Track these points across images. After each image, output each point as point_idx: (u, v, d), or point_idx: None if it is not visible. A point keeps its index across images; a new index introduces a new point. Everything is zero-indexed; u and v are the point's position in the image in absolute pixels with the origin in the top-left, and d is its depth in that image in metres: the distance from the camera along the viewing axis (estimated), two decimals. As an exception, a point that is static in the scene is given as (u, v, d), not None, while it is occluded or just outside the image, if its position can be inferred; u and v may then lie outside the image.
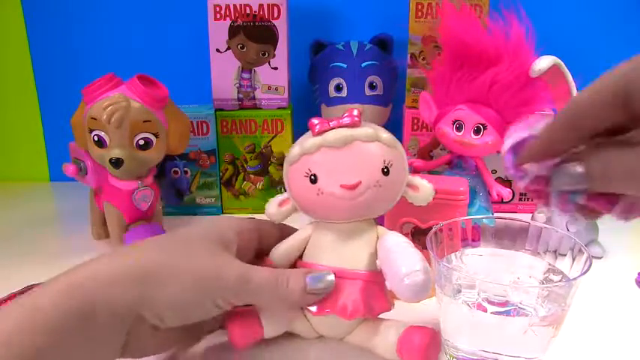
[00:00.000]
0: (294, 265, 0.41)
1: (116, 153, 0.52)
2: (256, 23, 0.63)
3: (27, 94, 0.80)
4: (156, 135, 0.53)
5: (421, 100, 0.61)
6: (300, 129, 0.42)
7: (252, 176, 0.68)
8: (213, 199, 0.69)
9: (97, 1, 0.76)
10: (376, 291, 0.39)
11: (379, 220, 0.52)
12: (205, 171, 0.68)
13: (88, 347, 0.31)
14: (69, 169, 0.59)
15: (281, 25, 0.64)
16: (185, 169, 0.67)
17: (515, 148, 0.30)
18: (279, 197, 0.41)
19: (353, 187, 0.37)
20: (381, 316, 0.40)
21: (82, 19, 0.77)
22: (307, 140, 0.38)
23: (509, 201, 0.69)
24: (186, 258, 0.35)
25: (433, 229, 0.39)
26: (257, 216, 0.44)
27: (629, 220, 0.29)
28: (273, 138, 0.67)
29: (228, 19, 0.63)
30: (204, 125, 0.66)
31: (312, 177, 0.37)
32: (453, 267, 0.36)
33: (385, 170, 0.37)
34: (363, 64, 0.66)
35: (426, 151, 0.67)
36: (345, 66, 0.67)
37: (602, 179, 0.27)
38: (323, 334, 0.42)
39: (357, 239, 0.39)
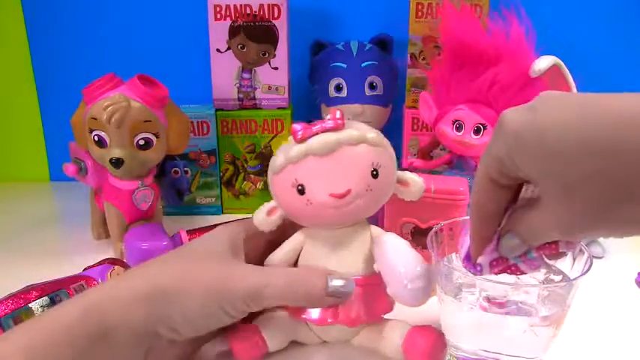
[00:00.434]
0: None
1: (116, 153, 0.52)
2: (256, 23, 0.63)
3: (27, 94, 0.80)
4: (156, 135, 0.53)
5: (421, 100, 0.61)
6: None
7: (252, 176, 0.68)
8: (213, 199, 0.69)
9: (97, 2, 0.76)
10: (376, 293, 0.39)
11: (379, 222, 0.52)
12: (205, 171, 0.68)
13: None
14: (69, 169, 0.59)
15: (281, 25, 0.64)
16: (185, 169, 0.67)
17: (467, 255, 0.34)
18: (267, 205, 0.39)
19: (342, 196, 0.36)
20: (385, 316, 0.40)
21: (82, 19, 0.76)
22: (291, 148, 0.37)
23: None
24: (196, 272, 0.35)
25: (433, 229, 0.39)
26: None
27: (575, 249, 0.35)
28: (273, 138, 0.67)
29: (228, 19, 0.63)
30: (205, 125, 0.66)
31: (300, 187, 0.36)
32: (453, 267, 0.36)
33: (374, 173, 0.36)
34: (363, 64, 0.66)
35: (426, 151, 0.67)
36: (345, 66, 0.67)
37: (532, 238, 0.30)
38: (327, 340, 0.42)
39: (350, 243, 0.39)
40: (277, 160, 0.37)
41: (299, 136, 0.36)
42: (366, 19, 0.74)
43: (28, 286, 0.43)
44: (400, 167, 0.70)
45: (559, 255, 0.32)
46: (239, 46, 0.64)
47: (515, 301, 0.36)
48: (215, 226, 0.51)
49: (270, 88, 0.66)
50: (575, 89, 0.53)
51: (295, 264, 0.40)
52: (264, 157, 0.68)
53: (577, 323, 0.42)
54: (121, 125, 0.51)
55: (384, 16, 0.73)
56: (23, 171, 0.83)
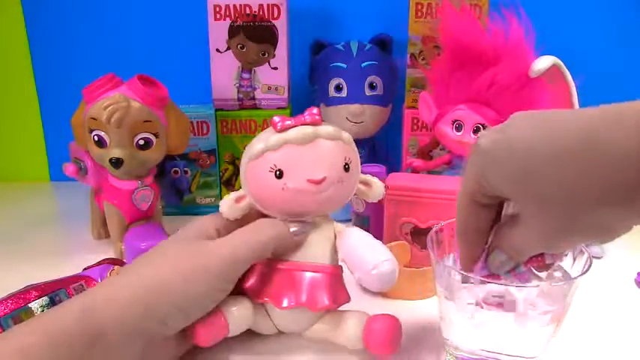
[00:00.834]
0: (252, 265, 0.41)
1: (116, 153, 0.52)
2: (256, 23, 0.64)
3: (27, 94, 0.80)
4: (156, 135, 0.53)
5: (421, 100, 0.61)
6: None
7: (252, 176, 0.68)
8: (213, 199, 0.69)
9: (97, 1, 0.76)
10: (338, 284, 0.41)
11: (379, 222, 0.52)
12: (205, 171, 0.68)
13: None
14: (69, 168, 0.59)
15: (281, 25, 0.64)
16: (185, 169, 0.67)
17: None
18: (235, 194, 0.41)
19: (319, 182, 0.37)
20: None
21: (82, 19, 0.77)
22: (270, 137, 0.38)
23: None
24: (173, 263, 0.36)
25: (433, 229, 0.39)
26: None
27: (562, 259, 0.35)
28: (273, 138, 0.67)
29: (228, 19, 0.63)
30: (204, 125, 0.66)
31: (278, 172, 0.38)
32: (453, 266, 0.37)
33: (346, 167, 0.39)
34: (363, 64, 0.66)
35: (426, 151, 0.67)
36: (345, 66, 0.67)
37: (518, 254, 0.31)
38: (283, 329, 0.42)
39: (317, 234, 0.40)
40: (256, 147, 0.39)
41: (279, 127, 0.38)
42: (366, 19, 0.74)
43: (27, 286, 0.43)
44: (400, 167, 0.70)
45: (547, 267, 0.33)
46: (239, 46, 0.64)
47: (514, 301, 0.36)
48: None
49: (269, 88, 0.66)
50: (574, 89, 0.53)
51: None
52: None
53: (577, 323, 0.42)
54: (120, 125, 0.51)
55: (384, 16, 0.74)
56: (23, 171, 0.83)
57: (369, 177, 0.42)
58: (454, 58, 0.57)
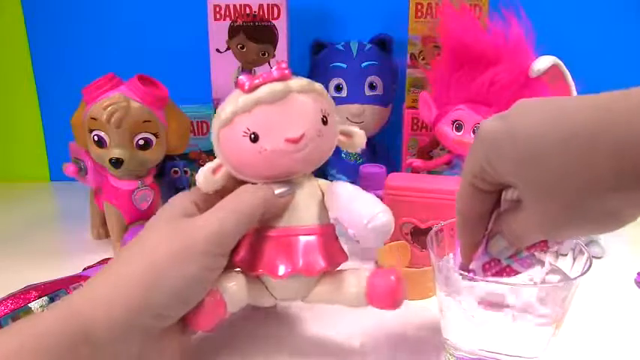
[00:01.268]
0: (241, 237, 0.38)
1: (116, 153, 0.52)
2: (256, 23, 0.64)
3: (27, 94, 0.80)
4: (156, 135, 0.53)
5: (421, 100, 0.61)
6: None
7: (252, 176, 0.68)
8: (213, 199, 0.69)
9: (98, 1, 0.76)
10: (332, 243, 0.39)
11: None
12: (205, 171, 0.68)
13: None
14: (69, 169, 0.59)
15: (281, 25, 0.64)
16: (185, 169, 0.67)
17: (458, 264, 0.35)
18: (211, 165, 0.38)
19: (298, 140, 0.36)
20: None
21: (82, 19, 0.77)
22: (239, 99, 0.36)
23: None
24: (158, 248, 0.34)
25: (433, 229, 0.39)
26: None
27: (565, 244, 0.36)
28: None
29: (228, 19, 0.63)
30: (204, 125, 0.66)
31: (253, 135, 0.36)
32: (453, 267, 0.37)
33: (324, 120, 0.37)
34: (363, 64, 0.66)
35: (426, 151, 0.67)
36: (345, 66, 0.67)
37: (518, 240, 0.31)
38: (282, 298, 0.40)
39: (302, 195, 0.38)
40: (225, 111, 0.36)
41: (246, 87, 0.36)
42: (366, 19, 0.74)
43: (27, 286, 0.43)
44: (400, 167, 0.70)
45: (549, 251, 0.33)
46: (239, 46, 0.64)
47: (514, 300, 0.36)
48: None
49: (270, 88, 0.66)
50: (574, 89, 0.53)
51: None
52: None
53: (577, 323, 0.42)
54: (120, 125, 0.51)
55: (384, 16, 0.74)
56: (23, 171, 0.83)
57: (347, 127, 0.41)
58: (454, 58, 0.57)
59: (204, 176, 0.38)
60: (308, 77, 0.73)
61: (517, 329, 0.35)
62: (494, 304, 0.35)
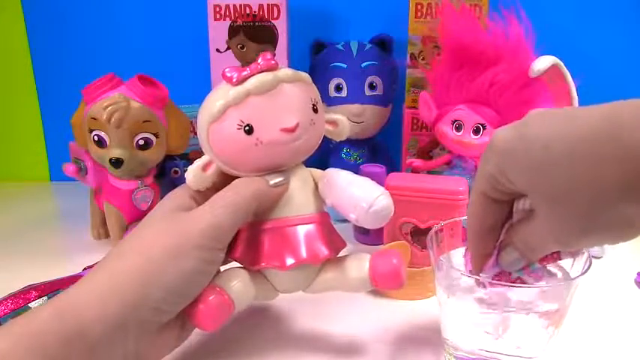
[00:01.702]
0: (237, 231, 0.38)
1: (116, 153, 0.52)
2: (256, 23, 0.64)
3: (27, 94, 0.80)
4: (156, 135, 0.53)
5: (421, 100, 0.61)
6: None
7: (252, 176, 0.68)
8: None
9: (97, 2, 0.76)
10: (331, 230, 0.39)
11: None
12: (205, 171, 0.68)
13: None
14: (69, 169, 0.59)
15: (281, 25, 0.64)
16: (185, 169, 0.67)
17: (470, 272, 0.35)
18: (201, 161, 0.38)
19: (294, 129, 0.35)
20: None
21: (82, 19, 0.77)
22: (229, 92, 0.35)
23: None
24: (155, 243, 0.34)
25: (434, 229, 0.39)
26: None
27: (579, 255, 0.35)
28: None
29: (228, 19, 0.63)
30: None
31: (247, 127, 0.35)
32: (453, 266, 0.37)
33: (315, 108, 0.37)
34: (363, 64, 0.66)
35: (426, 151, 0.67)
36: (345, 66, 0.67)
37: (531, 252, 0.31)
38: (286, 291, 0.39)
39: (296, 185, 0.38)
40: (215, 106, 0.36)
41: (235, 80, 0.35)
42: (366, 19, 0.74)
43: (28, 286, 0.43)
44: (400, 167, 0.70)
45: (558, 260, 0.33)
46: (239, 46, 0.64)
47: (514, 300, 0.36)
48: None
49: (270, 88, 0.66)
50: (574, 89, 0.53)
51: None
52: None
53: (577, 323, 0.42)
54: (120, 125, 0.51)
55: (384, 16, 0.74)
56: (23, 171, 0.84)
57: (333, 115, 0.41)
58: (454, 58, 0.57)
59: (194, 174, 0.37)
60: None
61: (516, 329, 0.35)
62: (494, 304, 0.35)
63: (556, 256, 0.32)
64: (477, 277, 0.34)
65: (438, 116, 0.58)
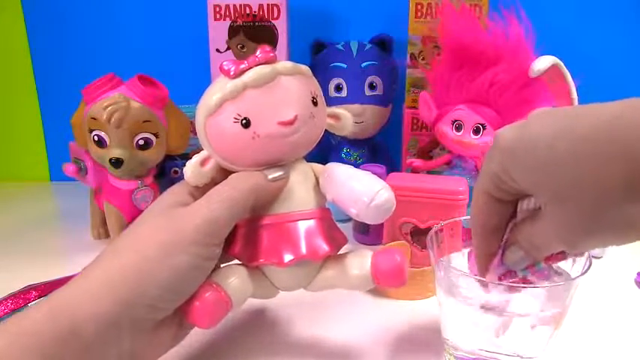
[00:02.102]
0: (236, 226, 0.37)
1: (116, 153, 0.52)
2: (256, 23, 0.64)
3: (27, 94, 0.80)
4: (156, 135, 0.53)
5: (421, 100, 0.61)
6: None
7: (252, 176, 0.68)
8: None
9: (97, 2, 0.76)
10: (332, 226, 0.38)
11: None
12: (205, 171, 0.67)
13: None
14: (69, 169, 0.59)
15: (281, 25, 0.64)
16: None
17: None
18: (199, 157, 0.37)
19: (291, 122, 0.35)
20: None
21: (82, 19, 0.77)
22: (226, 85, 0.35)
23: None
24: (149, 239, 0.33)
25: (434, 229, 0.39)
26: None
27: (584, 255, 0.34)
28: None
29: (228, 19, 0.63)
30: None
31: (244, 121, 0.34)
32: (452, 266, 0.36)
33: (314, 100, 0.36)
34: (363, 64, 0.66)
35: (426, 151, 0.67)
36: (345, 66, 0.67)
37: (536, 251, 0.31)
38: (285, 288, 0.39)
39: (297, 180, 0.37)
40: (211, 99, 0.35)
41: (232, 73, 0.35)
42: (366, 19, 0.74)
43: (28, 286, 0.43)
44: (400, 167, 0.70)
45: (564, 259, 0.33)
46: (239, 47, 0.64)
47: (514, 300, 0.36)
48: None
49: (270, 88, 0.66)
50: (574, 89, 0.53)
51: None
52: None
53: (577, 323, 0.42)
54: (120, 125, 0.51)
55: (384, 16, 0.74)
56: (23, 171, 0.84)
57: (334, 109, 0.40)
58: (454, 58, 0.57)
59: (192, 169, 0.36)
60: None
61: (517, 329, 0.35)
62: (495, 303, 0.35)
63: (561, 256, 0.32)
64: (482, 280, 0.34)
65: (438, 116, 0.58)
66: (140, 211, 0.56)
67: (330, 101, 0.67)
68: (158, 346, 0.35)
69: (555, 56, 0.52)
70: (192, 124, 0.64)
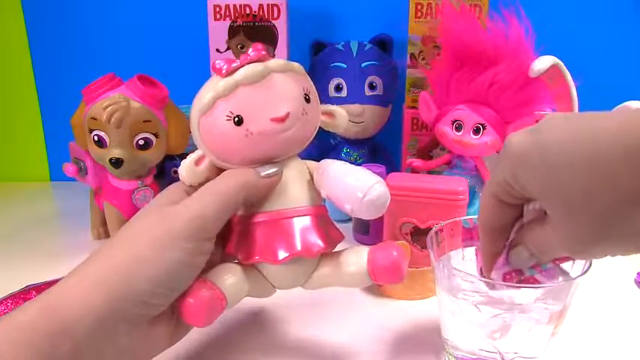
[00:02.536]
0: (230, 220, 0.37)
1: (116, 153, 0.52)
2: (256, 23, 0.64)
3: (27, 94, 0.80)
4: (156, 135, 0.53)
5: (421, 100, 0.61)
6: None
7: (252, 176, 0.68)
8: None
9: (98, 2, 0.76)
10: (327, 223, 0.38)
11: (379, 221, 0.52)
12: (205, 171, 0.67)
13: None
14: (69, 169, 0.59)
15: (281, 25, 0.64)
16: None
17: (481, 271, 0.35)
18: (193, 156, 0.37)
19: (284, 119, 0.35)
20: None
21: (82, 19, 0.77)
22: (218, 84, 0.35)
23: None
24: (141, 235, 0.33)
25: (434, 229, 0.39)
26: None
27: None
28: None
29: (228, 19, 0.63)
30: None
31: (237, 118, 0.34)
32: (453, 266, 0.37)
33: (307, 97, 0.36)
34: (363, 64, 0.66)
35: (426, 151, 0.67)
36: (345, 66, 0.67)
37: (542, 254, 0.31)
38: (281, 287, 0.38)
39: (291, 177, 0.37)
40: (204, 98, 0.35)
41: (224, 71, 0.35)
42: (366, 19, 0.74)
43: (27, 286, 0.43)
44: (400, 167, 0.70)
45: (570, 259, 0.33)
46: (239, 46, 0.65)
47: (514, 300, 0.36)
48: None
49: (270, 88, 0.66)
50: (574, 89, 0.53)
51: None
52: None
53: (577, 323, 0.42)
54: (120, 125, 0.51)
55: (384, 16, 0.74)
56: (23, 171, 0.84)
57: (329, 106, 0.40)
58: (454, 58, 0.57)
59: (187, 169, 0.37)
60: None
61: (517, 329, 0.35)
62: (495, 303, 0.35)
63: (568, 257, 0.32)
64: (482, 280, 0.34)
65: (438, 116, 0.58)
66: (140, 211, 0.56)
67: (330, 101, 0.67)
68: (155, 343, 0.35)
69: (555, 56, 0.52)
70: (192, 124, 0.65)
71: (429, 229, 0.40)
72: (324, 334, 0.43)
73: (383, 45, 0.69)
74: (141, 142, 0.52)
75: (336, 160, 0.38)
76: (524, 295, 0.36)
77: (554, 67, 0.52)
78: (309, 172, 0.39)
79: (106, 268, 0.32)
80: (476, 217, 0.41)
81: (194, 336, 0.40)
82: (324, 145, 0.72)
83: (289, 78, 0.36)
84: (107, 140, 0.52)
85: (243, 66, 0.35)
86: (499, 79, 0.54)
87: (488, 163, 0.59)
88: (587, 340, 0.42)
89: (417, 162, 0.61)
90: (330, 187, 0.37)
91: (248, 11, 0.63)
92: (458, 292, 0.37)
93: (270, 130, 0.35)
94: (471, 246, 0.42)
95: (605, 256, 0.28)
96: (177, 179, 0.68)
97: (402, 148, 0.70)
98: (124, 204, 0.56)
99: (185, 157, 0.38)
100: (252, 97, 0.35)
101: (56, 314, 0.30)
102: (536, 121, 0.39)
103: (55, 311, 0.30)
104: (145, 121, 0.52)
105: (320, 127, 0.39)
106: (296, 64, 0.37)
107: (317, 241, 0.36)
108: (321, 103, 0.66)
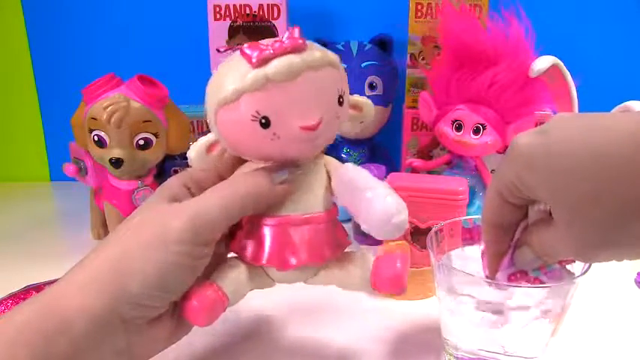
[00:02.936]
0: (240, 222, 0.35)
1: (116, 153, 0.52)
2: (256, 23, 0.63)
3: (27, 94, 0.80)
4: (156, 135, 0.53)
5: (421, 100, 0.61)
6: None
7: (252, 176, 0.68)
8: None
9: (98, 2, 0.76)
10: (337, 228, 0.36)
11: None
12: (205, 171, 0.67)
13: None
14: (69, 169, 0.59)
15: (281, 25, 0.64)
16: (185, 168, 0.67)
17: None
18: (205, 140, 0.34)
19: (315, 128, 0.32)
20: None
21: (82, 19, 0.77)
22: (246, 75, 0.31)
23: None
24: (134, 234, 0.32)
25: (433, 229, 0.39)
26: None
27: None
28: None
29: (228, 19, 0.63)
30: (204, 125, 0.66)
31: (264, 120, 0.31)
32: (452, 266, 0.37)
33: (340, 100, 0.34)
34: (363, 64, 0.66)
35: (426, 151, 0.67)
36: (344, 66, 0.66)
37: (547, 256, 0.31)
38: (281, 282, 0.37)
39: (308, 178, 0.35)
40: (227, 89, 0.31)
41: (254, 60, 0.30)
42: (366, 19, 0.74)
43: (27, 286, 0.43)
44: (400, 167, 0.70)
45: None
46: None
47: (514, 300, 0.36)
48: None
49: (270, 88, 0.66)
50: (574, 90, 0.53)
51: None
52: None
53: (577, 323, 0.42)
54: (120, 125, 0.51)
55: (384, 16, 0.74)
56: (23, 171, 0.83)
57: (357, 97, 0.37)
58: (454, 58, 0.57)
59: (197, 153, 0.34)
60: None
61: (517, 329, 0.35)
62: (495, 303, 0.35)
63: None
64: (483, 279, 0.34)
65: (438, 116, 0.58)
66: (140, 211, 0.56)
67: (330, 101, 0.67)
68: (154, 343, 0.34)
69: (555, 56, 0.52)
70: (192, 124, 0.65)
71: (429, 229, 0.40)
72: (324, 333, 0.43)
73: (383, 45, 0.69)
74: (141, 142, 0.52)
75: (357, 168, 0.36)
76: (526, 295, 0.36)
77: (554, 67, 0.52)
78: (327, 173, 0.36)
79: (100, 265, 0.32)
80: (476, 217, 0.42)
81: (194, 337, 0.40)
82: (324, 145, 0.72)
83: (325, 76, 0.33)
84: (107, 140, 0.52)
85: (277, 56, 0.31)
86: (499, 79, 0.54)
87: (489, 163, 0.59)
88: (587, 340, 0.42)
89: (417, 162, 0.61)
90: (348, 201, 0.34)
91: (248, 11, 0.63)
92: (458, 292, 0.37)
93: (299, 138, 0.32)
94: (471, 245, 0.42)
95: (611, 260, 0.28)
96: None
97: (402, 148, 0.70)
98: (124, 204, 0.56)
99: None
100: (282, 98, 0.31)
101: (53, 314, 0.30)
102: (537, 121, 0.39)
103: (52, 311, 0.30)
104: (145, 121, 0.52)
105: None
106: (333, 56, 0.34)
107: (325, 250, 0.35)
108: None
